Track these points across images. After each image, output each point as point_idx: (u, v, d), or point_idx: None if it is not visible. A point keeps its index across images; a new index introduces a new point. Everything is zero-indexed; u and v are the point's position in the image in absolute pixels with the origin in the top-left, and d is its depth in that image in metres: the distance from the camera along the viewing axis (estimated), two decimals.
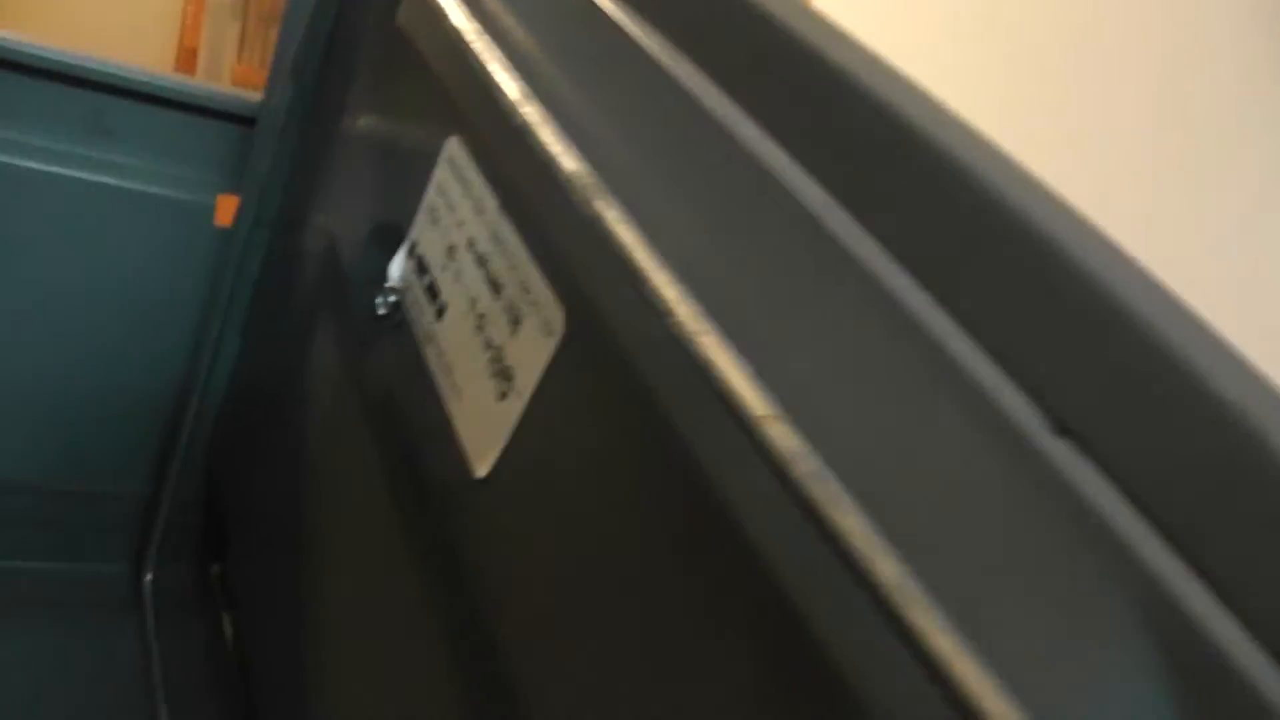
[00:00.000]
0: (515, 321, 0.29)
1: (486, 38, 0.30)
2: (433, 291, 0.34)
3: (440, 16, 0.32)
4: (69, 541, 0.59)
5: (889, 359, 0.20)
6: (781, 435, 0.19)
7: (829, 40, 0.23)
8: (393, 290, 0.37)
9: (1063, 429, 0.18)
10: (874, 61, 0.22)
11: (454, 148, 0.33)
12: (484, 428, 0.29)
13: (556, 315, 0.27)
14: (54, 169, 0.50)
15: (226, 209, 0.56)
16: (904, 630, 0.16)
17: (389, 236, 0.39)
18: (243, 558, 0.56)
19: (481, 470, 0.29)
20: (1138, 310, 0.17)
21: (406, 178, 0.38)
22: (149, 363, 0.57)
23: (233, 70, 1.44)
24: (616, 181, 0.25)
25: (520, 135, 0.27)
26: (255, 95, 0.54)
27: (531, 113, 0.27)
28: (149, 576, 0.62)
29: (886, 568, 0.17)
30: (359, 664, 0.38)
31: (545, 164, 0.26)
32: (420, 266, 0.35)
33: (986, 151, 0.20)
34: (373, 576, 0.38)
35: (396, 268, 0.36)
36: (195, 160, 0.53)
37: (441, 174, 0.34)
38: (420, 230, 0.35)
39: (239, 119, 0.54)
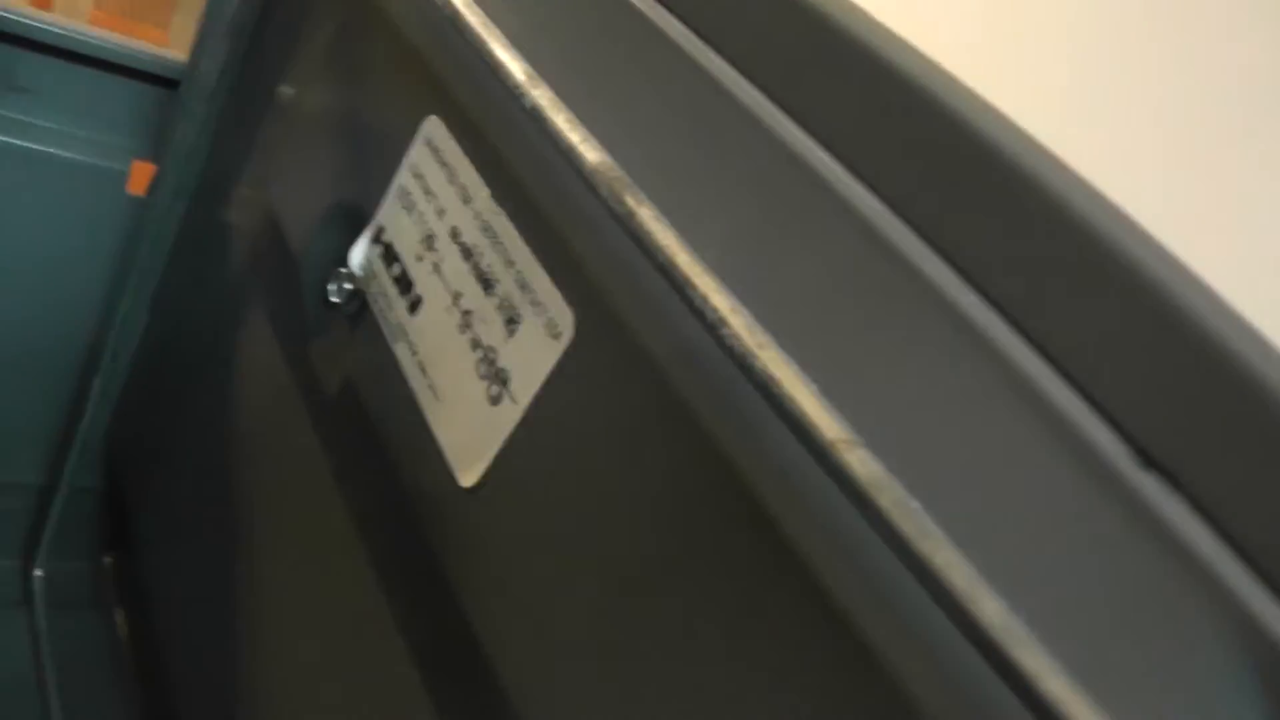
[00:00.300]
0: (511, 321, 0.27)
1: (480, 12, 0.28)
2: (404, 283, 0.31)
3: None
4: None
5: (961, 385, 0.19)
6: (861, 461, 0.17)
7: (886, 41, 0.22)
8: (349, 277, 0.34)
9: (1149, 462, 0.17)
10: (938, 69, 0.20)
11: (434, 128, 0.31)
12: (471, 433, 0.27)
13: (564, 317, 0.25)
14: None
15: (141, 176, 0.51)
16: (1012, 673, 0.15)
17: (343, 218, 0.36)
18: (145, 552, 0.52)
19: (468, 479, 0.27)
20: (1223, 345, 0.16)
21: (366, 156, 0.36)
22: (48, 340, 0.52)
23: (90, 16, 1.33)
24: (643, 178, 0.23)
25: (528, 120, 0.25)
26: (179, 55, 0.49)
27: (543, 96, 0.25)
28: (38, 572, 0.56)
29: (989, 606, 0.15)
30: (299, 677, 0.35)
31: (563, 154, 0.24)
32: (388, 254, 0.32)
33: (1063, 171, 0.19)
34: (312, 578, 0.35)
35: (357, 254, 0.34)
36: (111, 123, 0.48)
37: (418, 155, 0.32)
38: (388, 215, 0.33)
39: (161, 80, 0.50)
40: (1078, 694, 0.15)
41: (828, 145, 0.23)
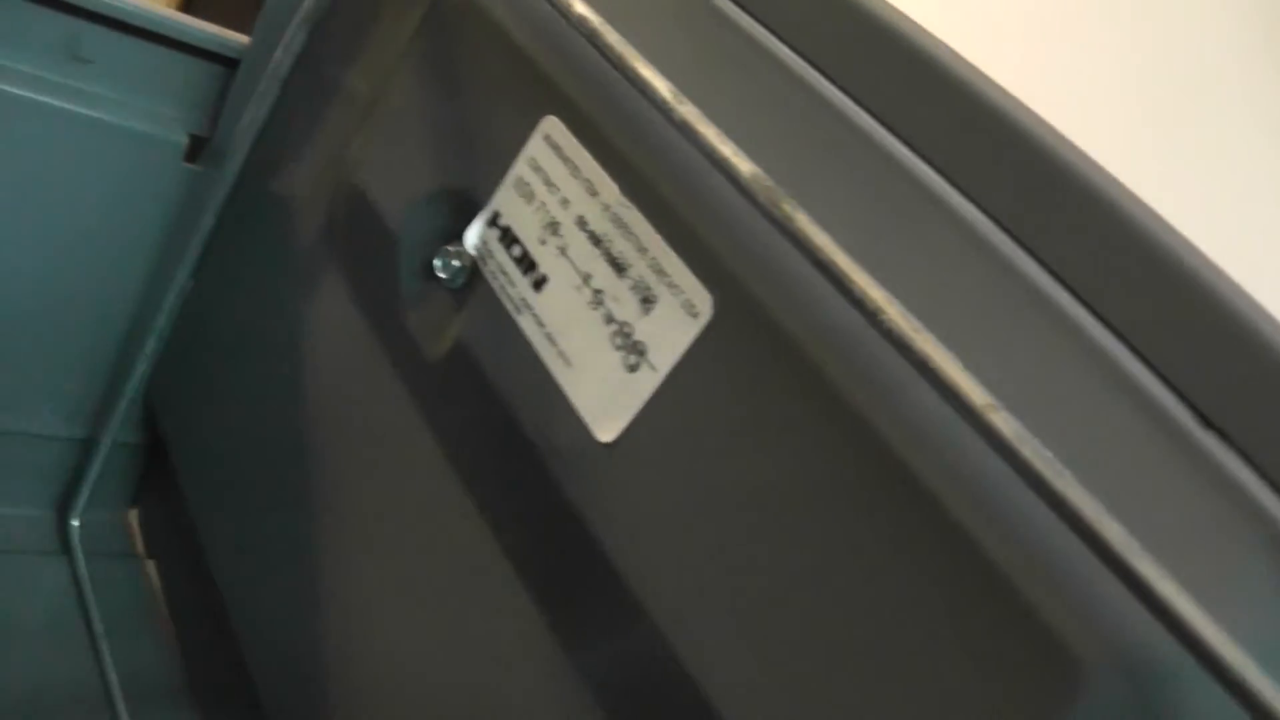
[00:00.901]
0: (646, 300, 0.31)
1: (614, 31, 0.32)
2: (527, 263, 0.35)
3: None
4: None
5: (1062, 365, 0.24)
6: (1004, 421, 0.23)
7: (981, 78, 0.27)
8: (460, 255, 0.38)
9: (1208, 423, 0.23)
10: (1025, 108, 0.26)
11: (553, 127, 0.35)
12: (609, 396, 0.31)
13: (702, 299, 0.30)
14: (21, 92, 0.46)
15: (197, 148, 0.53)
16: (1131, 579, 0.21)
17: (446, 203, 0.40)
18: (188, 506, 0.55)
19: (606, 435, 0.31)
20: (1260, 333, 0.22)
21: (470, 147, 0.39)
22: (99, 300, 0.53)
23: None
24: (789, 186, 0.28)
25: (678, 132, 0.29)
26: (240, 36, 0.51)
27: (690, 112, 0.29)
28: (75, 522, 0.58)
29: (1113, 528, 0.21)
30: (397, 632, 0.39)
31: (717, 164, 0.28)
32: (506, 237, 0.36)
33: (1123, 190, 0.24)
34: (410, 537, 0.39)
35: (473, 235, 0.37)
36: (170, 96, 0.50)
37: (536, 151, 0.35)
38: (505, 202, 0.37)
39: (221, 59, 0.52)
40: (1182, 594, 0.20)
41: (931, 161, 0.28)
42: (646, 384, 0.31)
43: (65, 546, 0.57)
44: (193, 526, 0.52)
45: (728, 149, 0.28)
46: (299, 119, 0.49)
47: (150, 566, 0.60)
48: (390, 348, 0.42)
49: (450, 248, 0.39)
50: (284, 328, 0.48)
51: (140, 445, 0.59)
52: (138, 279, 0.54)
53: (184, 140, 0.51)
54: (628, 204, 0.32)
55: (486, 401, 0.37)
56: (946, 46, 0.29)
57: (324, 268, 0.47)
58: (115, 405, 0.56)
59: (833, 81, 0.31)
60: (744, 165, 0.28)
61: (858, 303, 0.25)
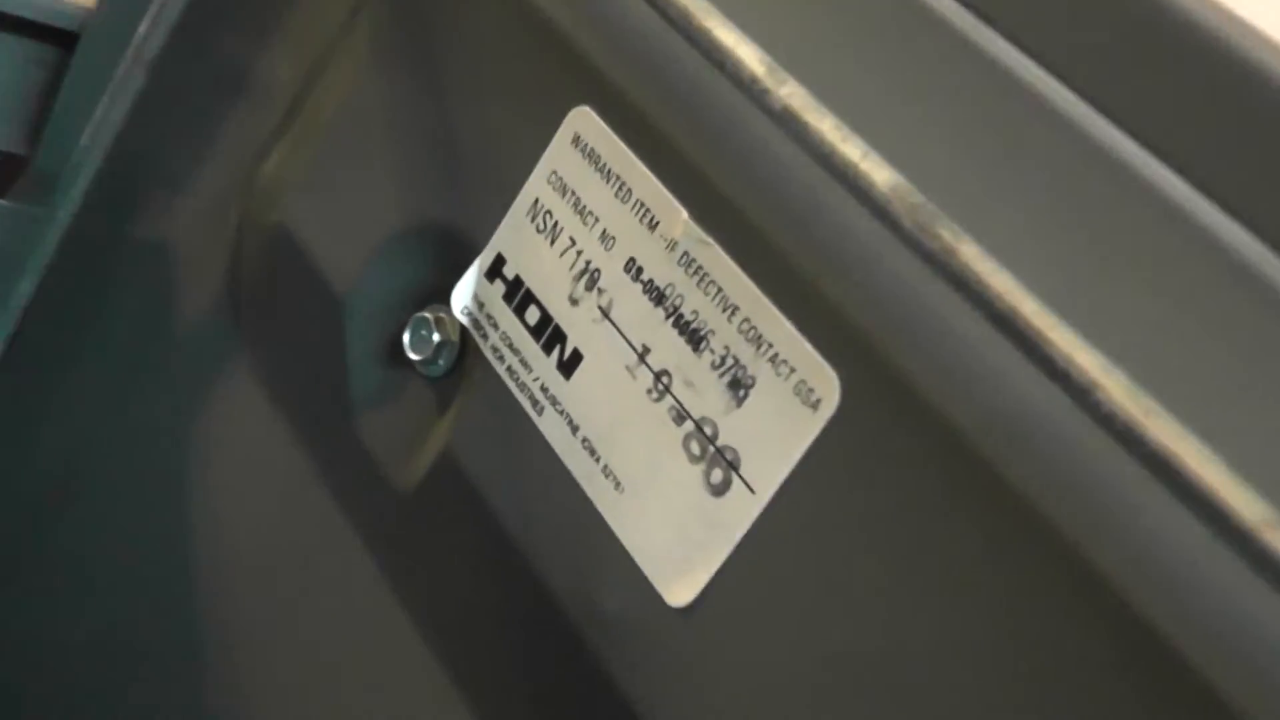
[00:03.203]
0: (737, 385, 0.34)
1: None
2: (550, 333, 0.39)
3: None
4: None
5: None
6: None
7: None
8: (443, 325, 0.42)
9: None
10: None
11: (586, 125, 0.39)
12: (683, 534, 0.35)
13: (824, 380, 0.33)
14: None
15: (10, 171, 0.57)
16: None
17: (424, 245, 0.44)
18: None
19: (680, 595, 0.34)
20: None
21: (458, 159, 0.43)
22: None
23: None
24: (945, 205, 0.31)
25: (777, 127, 0.33)
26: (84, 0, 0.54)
27: (797, 95, 0.33)
28: None
29: None
30: None
31: (835, 172, 0.32)
32: (517, 294, 0.40)
33: None
34: None
35: (464, 293, 0.41)
36: None
37: (561, 161, 0.39)
38: (512, 241, 0.40)
39: (51, 34, 0.55)
40: None
41: (1171, 159, 0.31)
42: (741, 512, 0.34)
43: None
44: None
45: (855, 150, 0.31)
46: (178, 125, 0.54)
47: None
48: (334, 476, 0.45)
49: (428, 314, 0.42)
50: (155, 454, 0.52)
51: None
52: None
53: None
54: (705, 239, 0.36)
55: (486, 552, 0.40)
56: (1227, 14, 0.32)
57: (223, 355, 0.51)
58: None
59: (1018, 45, 0.34)
60: (880, 173, 0.31)
61: (1059, 374, 0.28)
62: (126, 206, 0.55)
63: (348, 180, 0.48)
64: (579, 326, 0.38)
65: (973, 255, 0.30)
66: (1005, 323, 0.29)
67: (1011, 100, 0.33)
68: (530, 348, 0.39)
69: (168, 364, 0.53)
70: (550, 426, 0.38)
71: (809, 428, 0.33)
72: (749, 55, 0.33)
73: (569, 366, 0.38)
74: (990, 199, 0.32)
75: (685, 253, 0.36)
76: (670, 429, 0.36)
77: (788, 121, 0.33)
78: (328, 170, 0.49)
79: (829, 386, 0.33)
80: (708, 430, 0.35)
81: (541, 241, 0.39)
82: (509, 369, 0.40)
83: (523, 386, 0.39)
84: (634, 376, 0.37)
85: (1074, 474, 0.29)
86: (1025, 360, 0.29)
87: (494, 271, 0.41)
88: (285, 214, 0.50)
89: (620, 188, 0.38)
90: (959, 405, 0.31)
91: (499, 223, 0.41)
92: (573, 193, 0.39)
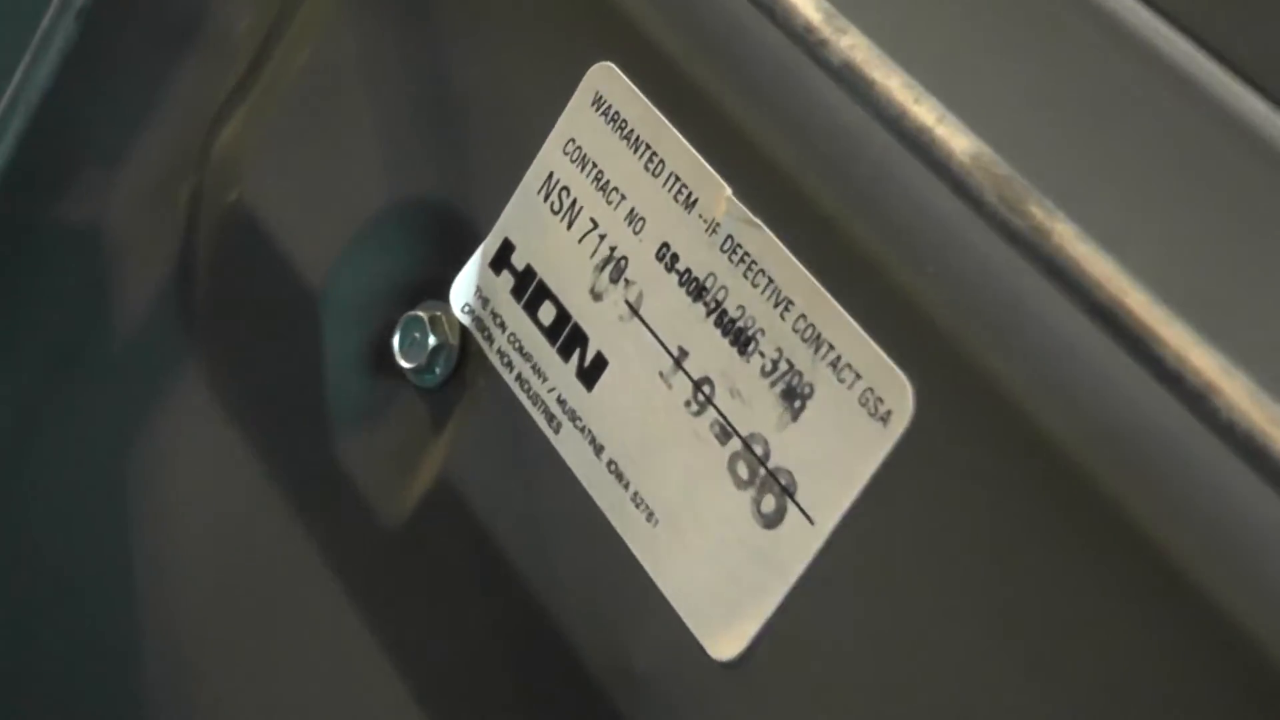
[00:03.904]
0: (792, 395, 0.36)
1: None
2: (568, 334, 0.40)
3: None
4: None
5: None
6: None
7: None
8: (440, 325, 0.43)
9: None
10: None
11: (610, 83, 0.40)
12: (728, 573, 0.36)
13: (895, 389, 0.34)
14: None
15: None
16: None
17: (416, 229, 0.45)
18: None
19: (726, 648, 0.36)
20: None
21: (451, 127, 0.44)
22: None
23: None
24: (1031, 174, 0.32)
25: (837, 83, 0.34)
26: None
27: (859, 47, 0.34)
28: None
29: None
30: None
31: (905, 136, 0.33)
32: (528, 288, 0.41)
33: None
34: None
35: (465, 287, 0.42)
36: None
37: (578, 128, 0.40)
38: (521, 224, 0.42)
39: None
40: None
41: None
42: (798, 547, 0.35)
43: None
44: None
45: (929, 113, 0.32)
46: (116, 85, 0.55)
47: None
48: (308, 509, 0.46)
49: (421, 313, 0.44)
50: (90, 483, 0.52)
51: None
52: None
53: None
54: (751, 219, 0.37)
55: (493, 597, 0.41)
56: None
57: (173, 362, 0.52)
58: None
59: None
60: (959, 140, 0.32)
61: (1174, 380, 0.29)
62: (55, 183, 0.56)
63: (323, 151, 0.49)
64: (603, 326, 0.39)
65: (1070, 236, 0.30)
66: (1108, 316, 0.29)
67: (1118, 50, 0.34)
68: (544, 352, 0.40)
69: (106, 372, 0.54)
70: (569, 446, 0.40)
71: (877, 445, 0.34)
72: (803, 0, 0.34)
73: (591, 374, 0.39)
74: (1092, 169, 0.33)
75: (729, 236, 0.37)
76: (713, 448, 0.37)
77: (849, 78, 0.34)
78: (299, 138, 0.50)
79: (901, 396, 0.34)
80: (758, 449, 0.36)
81: (557, 224, 0.41)
82: (519, 377, 0.41)
83: (535, 398, 0.40)
84: (669, 385, 0.38)
85: (1198, 499, 0.30)
86: (1131, 360, 0.29)
87: (500, 261, 0.42)
88: (247, 191, 0.51)
89: (651, 159, 0.39)
90: (1054, 416, 0.32)
91: (506, 202, 0.42)
92: (594, 165, 0.40)
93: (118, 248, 0.53)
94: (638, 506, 0.38)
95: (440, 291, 0.43)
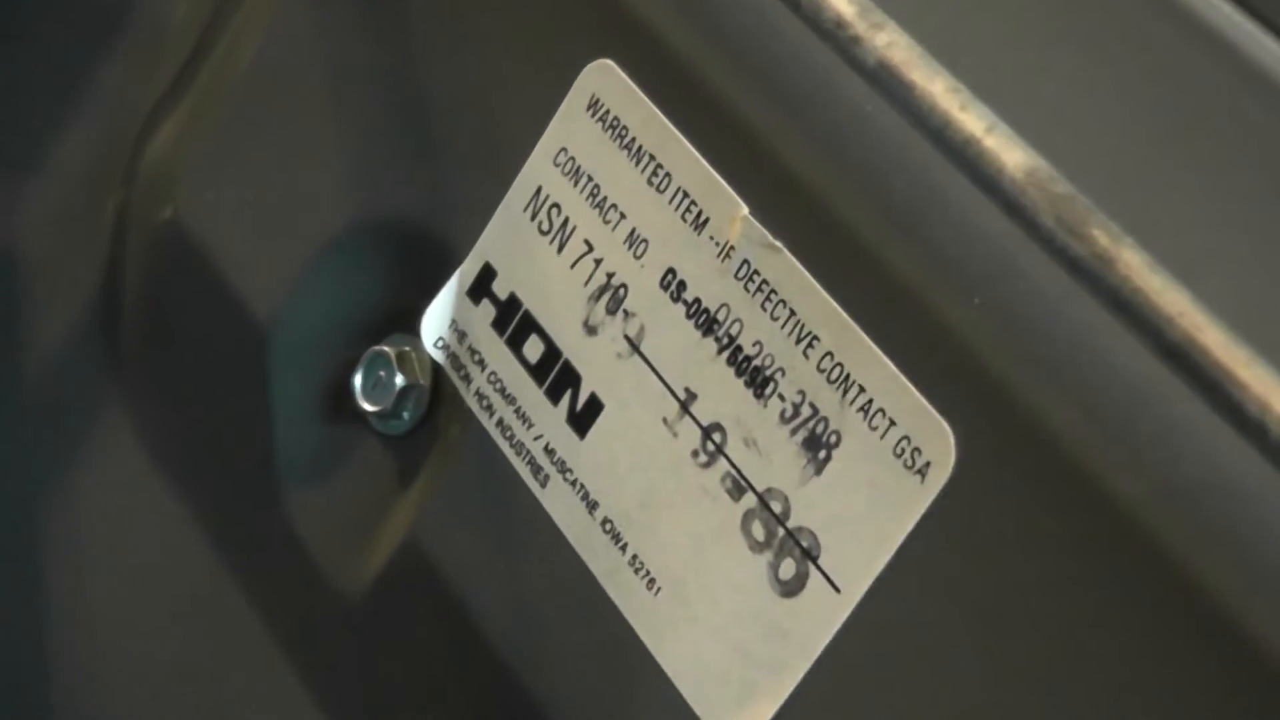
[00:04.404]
0: (816, 444, 0.36)
1: None
2: (557, 374, 0.41)
3: None
4: None
5: None
6: None
7: None
8: (408, 363, 0.44)
9: None
10: None
11: (608, 84, 0.40)
12: (740, 649, 0.36)
13: (934, 437, 0.34)
14: None
15: None
16: None
17: (380, 253, 0.45)
18: None
19: None
20: None
21: (425, 133, 0.45)
22: None
23: None
24: (1100, 196, 0.33)
25: (871, 85, 0.34)
26: None
27: (897, 44, 0.34)
28: None
29: None
30: None
31: (952, 150, 0.33)
32: (512, 320, 0.42)
33: None
34: None
35: (437, 319, 0.43)
36: None
37: (571, 135, 0.41)
38: (506, 247, 0.42)
39: None
40: None
41: None
42: (821, 619, 0.35)
43: None
44: None
45: (978, 121, 0.33)
46: (32, 84, 0.56)
47: None
48: (255, 573, 0.46)
49: (387, 348, 0.44)
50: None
51: None
52: None
53: None
54: (771, 242, 0.37)
55: (468, 675, 0.41)
56: None
57: (96, 404, 0.52)
58: None
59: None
60: (1012, 153, 0.32)
61: (1252, 425, 0.29)
62: None
63: (272, 160, 0.49)
64: (598, 364, 0.39)
65: (1138, 265, 0.30)
66: (1181, 356, 0.30)
67: (1198, 51, 0.35)
68: (530, 394, 0.41)
69: (13, 415, 0.54)
70: (557, 503, 0.40)
71: (913, 502, 0.34)
72: None
73: (584, 419, 0.40)
74: (1165, 188, 0.33)
75: (744, 261, 0.38)
76: (724, 505, 0.37)
77: (885, 80, 0.34)
78: (244, 146, 0.50)
79: (941, 445, 0.34)
80: (776, 507, 0.36)
81: (546, 246, 0.41)
82: (500, 423, 0.41)
83: (519, 447, 0.41)
84: (674, 433, 0.38)
85: (1275, 560, 0.30)
86: (1207, 407, 0.29)
87: (480, 289, 0.42)
88: (183, 207, 0.51)
89: (655, 172, 0.39)
90: (1116, 470, 0.32)
91: (487, 221, 0.42)
92: (589, 178, 0.40)
93: (30, 271, 0.53)
94: (636, 572, 0.38)
95: (410, 324, 0.43)
